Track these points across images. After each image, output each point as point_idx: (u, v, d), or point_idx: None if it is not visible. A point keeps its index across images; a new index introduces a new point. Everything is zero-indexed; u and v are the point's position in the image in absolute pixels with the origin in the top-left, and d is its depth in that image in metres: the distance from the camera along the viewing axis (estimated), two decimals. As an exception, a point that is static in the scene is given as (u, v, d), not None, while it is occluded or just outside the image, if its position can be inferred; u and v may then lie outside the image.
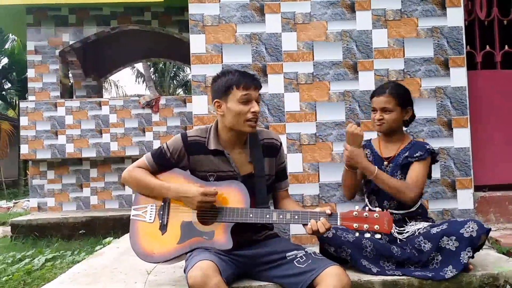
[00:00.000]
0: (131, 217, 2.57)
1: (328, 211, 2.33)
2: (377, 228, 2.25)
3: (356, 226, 2.27)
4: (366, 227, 2.26)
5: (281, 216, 2.38)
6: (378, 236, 2.29)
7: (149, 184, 2.53)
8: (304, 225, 2.36)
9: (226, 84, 2.48)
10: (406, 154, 2.92)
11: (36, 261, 5.05)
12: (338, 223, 2.31)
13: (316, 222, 2.31)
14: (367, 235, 2.40)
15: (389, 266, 2.68)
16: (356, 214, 2.29)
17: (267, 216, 2.38)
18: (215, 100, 2.53)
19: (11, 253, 5.66)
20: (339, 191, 3.55)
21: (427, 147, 2.92)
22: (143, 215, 2.53)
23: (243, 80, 2.47)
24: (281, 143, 2.74)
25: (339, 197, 3.56)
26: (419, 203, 2.92)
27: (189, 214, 2.47)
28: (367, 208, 3.04)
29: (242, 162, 2.59)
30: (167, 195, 2.50)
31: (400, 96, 2.93)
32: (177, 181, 2.53)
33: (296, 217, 2.36)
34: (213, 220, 2.43)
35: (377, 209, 2.33)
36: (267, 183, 2.62)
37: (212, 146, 2.54)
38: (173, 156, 2.57)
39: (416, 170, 2.87)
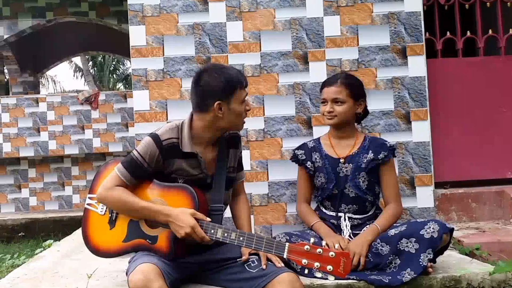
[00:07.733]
0: (85, 205, 2.45)
1: None
2: (329, 269, 1.90)
3: (305, 262, 1.94)
4: (317, 265, 1.92)
5: (225, 235, 2.15)
6: (331, 278, 1.99)
7: (135, 207, 2.24)
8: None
9: (230, 84, 2.24)
10: (371, 156, 2.63)
11: (-28, 265, 4.69)
12: (285, 255, 2.01)
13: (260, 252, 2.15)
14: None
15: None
16: (308, 248, 1.94)
17: (212, 231, 2.15)
18: (218, 102, 2.22)
19: None
20: (289, 189, 3.35)
21: (388, 144, 2.67)
22: (96, 205, 2.40)
23: (243, 79, 2.29)
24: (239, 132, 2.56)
25: (289, 196, 3.34)
26: (376, 204, 2.73)
27: None
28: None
29: (211, 161, 2.40)
30: (156, 219, 2.20)
31: (353, 86, 2.68)
32: (152, 194, 2.32)
33: (241, 238, 2.13)
34: (159, 224, 2.23)
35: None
36: (231, 176, 2.47)
37: (186, 148, 2.30)
38: (151, 165, 2.29)
39: (390, 180, 2.68)
